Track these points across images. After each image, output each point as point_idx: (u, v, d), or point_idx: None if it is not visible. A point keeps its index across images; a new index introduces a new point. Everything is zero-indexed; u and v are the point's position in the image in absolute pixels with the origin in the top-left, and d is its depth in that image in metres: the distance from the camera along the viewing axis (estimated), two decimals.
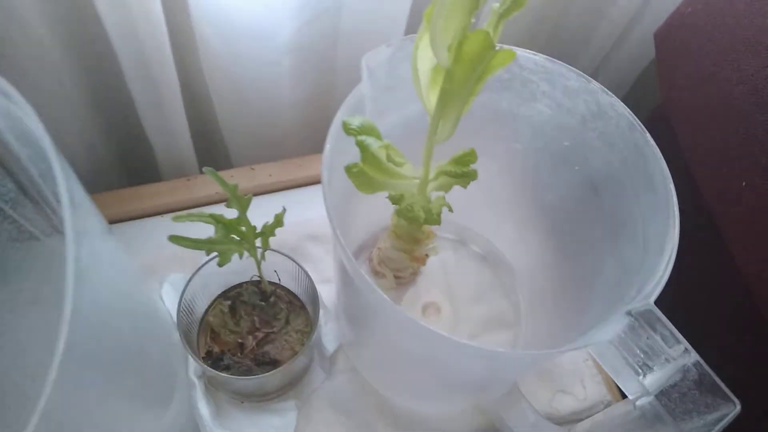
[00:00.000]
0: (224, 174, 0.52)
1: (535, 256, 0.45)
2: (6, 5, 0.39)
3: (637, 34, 0.62)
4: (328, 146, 0.30)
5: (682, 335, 0.27)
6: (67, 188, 0.23)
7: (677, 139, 0.47)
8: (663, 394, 0.27)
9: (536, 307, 0.46)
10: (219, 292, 0.43)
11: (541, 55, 0.34)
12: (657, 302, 0.27)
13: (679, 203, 0.30)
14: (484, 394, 0.41)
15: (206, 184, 0.52)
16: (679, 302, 0.39)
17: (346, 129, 0.29)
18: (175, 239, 0.33)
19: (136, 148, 0.56)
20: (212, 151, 0.62)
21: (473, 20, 0.25)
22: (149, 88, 0.47)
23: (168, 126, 0.51)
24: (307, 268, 0.49)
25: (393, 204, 0.34)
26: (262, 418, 0.40)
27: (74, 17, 0.44)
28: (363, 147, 0.28)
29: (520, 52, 0.35)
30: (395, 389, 0.43)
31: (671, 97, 0.47)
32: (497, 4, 0.25)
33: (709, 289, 0.46)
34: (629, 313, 0.28)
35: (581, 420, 0.44)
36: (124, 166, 0.58)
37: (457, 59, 0.26)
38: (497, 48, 0.25)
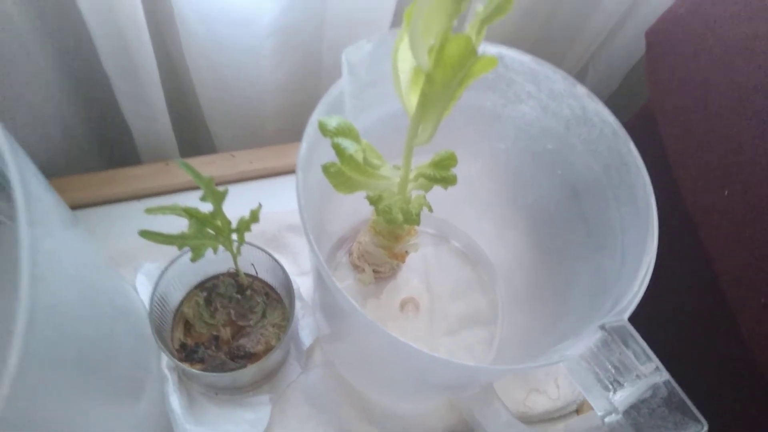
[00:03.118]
0: (204, 160, 0.51)
1: (515, 255, 0.45)
2: None
3: (631, 29, 0.61)
4: (304, 146, 0.29)
5: (656, 347, 0.27)
6: (22, 183, 0.22)
7: (662, 139, 0.46)
8: (633, 409, 0.27)
9: (514, 306, 0.46)
10: (195, 282, 0.43)
11: (527, 55, 0.33)
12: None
13: (661, 204, 0.29)
14: (459, 393, 0.41)
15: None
16: (654, 307, 0.39)
17: (323, 130, 0.28)
18: (145, 234, 0.32)
19: (114, 131, 0.55)
20: (194, 134, 0.61)
21: (455, 23, 0.24)
22: (127, 70, 0.45)
23: (146, 109, 0.49)
24: (286, 259, 0.48)
25: (371, 204, 0.34)
26: (236, 412, 0.40)
27: None
28: (339, 150, 0.28)
29: (506, 51, 0.34)
30: (370, 385, 0.43)
31: (658, 97, 0.46)
32: (481, 7, 0.24)
33: (684, 293, 0.46)
34: (603, 327, 0.27)
35: (554, 419, 0.45)
36: (102, 148, 0.57)
37: (437, 63, 0.25)
38: (480, 53, 0.25)
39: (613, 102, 0.71)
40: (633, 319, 0.28)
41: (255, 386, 0.42)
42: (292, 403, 0.42)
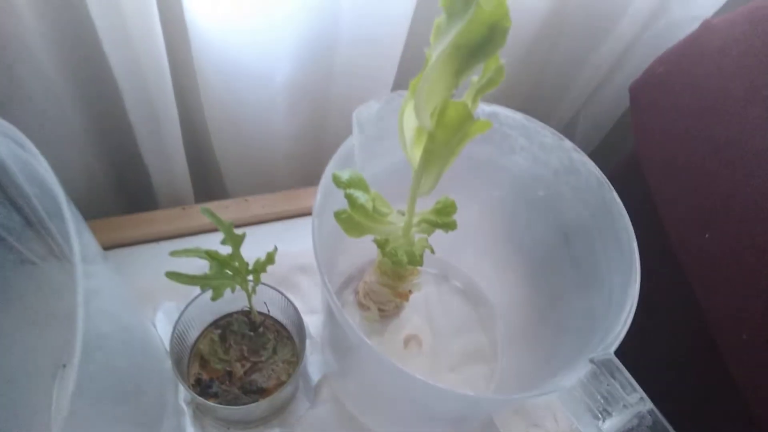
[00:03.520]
0: (219, 205, 0.54)
1: (513, 295, 0.48)
2: (18, 38, 0.41)
3: (617, 82, 0.65)
4: (319, 196, 0.32)
5: (641, 380, 0.30)
6: (77, 232, 0.25)
7: (648, 185, 0.50)
8: None
9: (512, 343, 0.48)
10: (210, 320, 0.45)
11: (519, 113, 0.37)
12: (622, 345, 0.30)
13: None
14: (461, 426, 0.43)
15: (201, 214, 0.54)
16: (642, 341, 0.42)
17: (336, 182, 0.31)
18: (172, 275, 0.35)
19: (133, 176, 0.58)
20: (208, 180, 0.64)
21: (454, 91, 0.28)
22: (149, 120, 0.49)
23: (166, 157, 0.53)
24: (295, 299, 0.51)
25: (378, 248, 0.37)
26: None
27: (81, 53, 0.46)
28: (352, 200, 0.31)
29: (500, 110, 0.37)
30: (376, 420, 0.45)
31: (644, 146, 0.50)
32: (476, 78, 0.28)
33: (670, 328, 0.48)
34: (592, 361, 0.30)
35: None
36: (121, 194, 0.60)
37: (438, 124, 0.28)
38: (475, 116, 0.28)
39: (603, 148, 0.75)
40: (621, 353, 0.30)
41: (265, 421, 0.44)
42: None
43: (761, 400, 0.38)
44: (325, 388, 0.47)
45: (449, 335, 0.50)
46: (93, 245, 0.31)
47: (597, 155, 0.72)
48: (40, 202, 0.33)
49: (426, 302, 0.52)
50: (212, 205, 0.54)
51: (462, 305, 0.52)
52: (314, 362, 0.47)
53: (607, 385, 0.29)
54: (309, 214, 0.55)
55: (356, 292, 0.50)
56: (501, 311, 0.50)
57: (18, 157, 0.29)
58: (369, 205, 0.32)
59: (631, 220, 0.34)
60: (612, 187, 0.35)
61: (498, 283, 0.49)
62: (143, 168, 0.55)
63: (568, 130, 0.76)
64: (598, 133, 0.73)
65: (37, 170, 0.28)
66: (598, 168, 0.36)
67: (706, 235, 0.42)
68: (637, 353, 0.34)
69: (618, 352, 0.30)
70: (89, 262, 0.28)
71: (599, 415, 0.29)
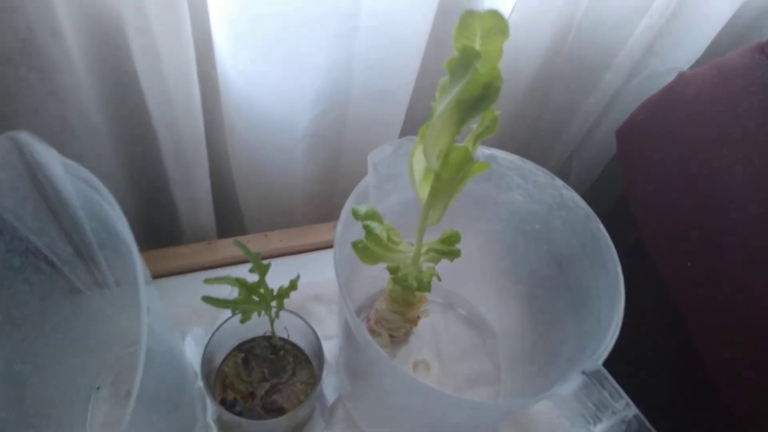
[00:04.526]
0: (242, 239, 0.59)
1: (513, 320, 0.51)
2: (70, 98, 0.46)
3: (606, 127, 0.71)
4: (339, 228, 0.37)
5: (630, 391, 0.33)
6: (142, 267, 0.30)
7: (636, 219, 0.54)
8: None
9: (513, 365, 0.51)
10: (234, 345, 0.49)
11: (515, 155, 0.42)
12: (613, 360, 0.34)
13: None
14: None
15: (224, 248, 0.58)
16: (634, 355, 0.45)
17: (355, 215, 0.36)
18: (207, 299, 0.39)
19: (163, 214, 0.63)
20: (229, 218, 0.69)
21: (456, 137, 0.33)
22: (182, 166, 0.54)
23: (194, 198, 0.58)
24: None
25: (390, 274, 0.41)
26: None
27: (125, 107, 0.52)
28: (368, 230, 0.35)
29: (498, 152, 0.43)
30: None
31: (631, 185, 0.55)
32: (475, 126, 0.33)
33: (659, 345, 0.52)
34: (584, 372, 0.34)
35: None
36: (150, 229, 0.65)
37: (443, 165, 0.33)
38: (475, 158, 0.33)
39: (597, 188, 0.80)
40: (612, 365, 0.34)
41: None
42: None
43: (738, 396, 0.42)
44: (340, 409, 0.50)
45: (455, 360, 0.53)
46: (145, 269, 0.35)
47: (592, 194, 0.77)
48: (94, 233, 0.37)
49: (433, 329, 0.56)
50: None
51: (466, 332, 0.56)
52: (329, 384, 0.50)
53: (598, 393, 0.33)
54: (324, 247, 0.60)
55: (367, 320, 0.54)
56: (503, 336, 0.53)
57: (83, 195, 0.34)
58: (383, 235, 0.36)
59: (622, 251, 0.38)
60: (598, 219, 0.39)
61: (499, 311, 0.53)
62: (173, 207, 0.60)
63: (563, 172, 0.81)
64: (590, 175, 0.78)
65: (99, 205, 0.33)
66: (586, 203, 0.40)
67: (689, 264, 0.46)
68: (621, 360, 0.38)
69: (606, 363, 0.34)
70: (147, 280, 0.32)
71: (591, 421, 0.32)
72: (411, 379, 0.32)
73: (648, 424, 0.31)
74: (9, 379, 0.38)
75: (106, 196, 0.31)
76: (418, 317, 0.50)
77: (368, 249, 0.38)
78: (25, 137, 0.30)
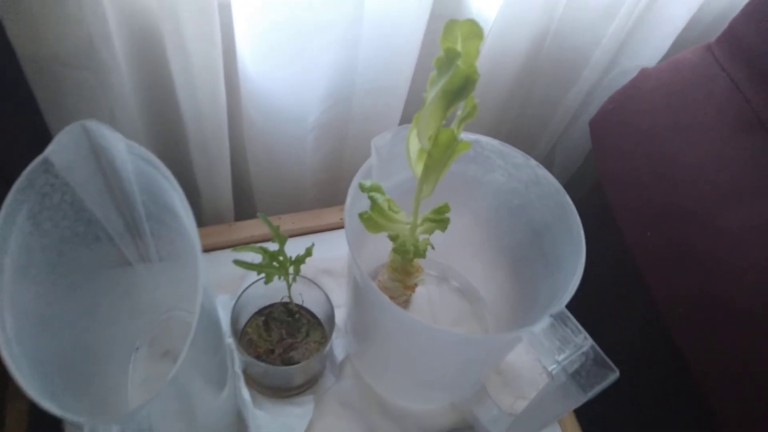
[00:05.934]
0: (255, 222, 0.66)
1: (499, 288, 0.59)
2: (116, 94, 0.53)
3: (585, 118, 0.79)
4: (348, 199, 0.44)
5: (590, 332, 0.40)
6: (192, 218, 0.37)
7: (607, 196, 0.62)
8: (576, 373, 0.39)
9: (500, 328, 0.58)
10: (255, 310, 0.56)
11: (496, 141, 0.49)
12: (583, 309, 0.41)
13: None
14: (460, 392, 0.53)
15: (242, 229, 0.65)
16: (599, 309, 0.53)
17: (362, 188, 0.43)
18: (238, 263, 0.46)
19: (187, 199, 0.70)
20: (243, 202, 0.76)
21: (444, 122, 0.40)
22: (206, 155, 0.62)
23: (215, 183, 0.65)
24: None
25: (391, 241, 0.48)
26: (286, 407, 0.52)
27: (159, 102, 0.59)
28: (373, 200, 0.43)
29: (481, 138, 0.50)
30: (390, 390, 0.55)
31: (603, 167, 0.62)
32: (460, 112, 0.40)
33: (622, 300, 0.60)
34: (551, 315, 0.41)
35: None
36: None
37: (434, 145, 0.40)
38: (459, 139, 0.40)
39: (580, 173, 0.88)
40: (576, 310, 0.41)
41: (300, 390, 0.54)
42: (329, 404, 0.54)
43: (707, 375, 0.49)
44: (348, 366, 0.57)
45: (448, 325, 0.60)
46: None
47: (576, 179, 0.85)
48: (144, 206, 0.44)
49: (429, 300, 0.63)
50: (251, 222, 0.66)
51: (458, 301, 0.63)
52: (338, 345, 0.57)
53: (562, 330, 0.40)
54: (333, 229, 0.67)
55: None
56: (490, 303, 0.61)
57: (139, 171, 0.41)
58: (385, 205, 0.43)
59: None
60: (566, 193, 0.46)
61: (486, 280, 0.60)
62: (196, 192, 0.67)
63: (548, 160, 0.89)
64: (573, 163, 0.86)
65: (155, 180, 0.40)
66: (555, 179, 0.47)
67: (648, 233, 0.53)
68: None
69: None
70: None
71: (556, 352, 0.39)
72: (410, 318, 0.39)
73: (602, 353, 0.39)
74: (65, 336, 0.45)
75: (164, 172, 0.39)
76: (416, 284, 0.58)
77: (372, 219, 0.45)
78: (94, 124, 0.37)
